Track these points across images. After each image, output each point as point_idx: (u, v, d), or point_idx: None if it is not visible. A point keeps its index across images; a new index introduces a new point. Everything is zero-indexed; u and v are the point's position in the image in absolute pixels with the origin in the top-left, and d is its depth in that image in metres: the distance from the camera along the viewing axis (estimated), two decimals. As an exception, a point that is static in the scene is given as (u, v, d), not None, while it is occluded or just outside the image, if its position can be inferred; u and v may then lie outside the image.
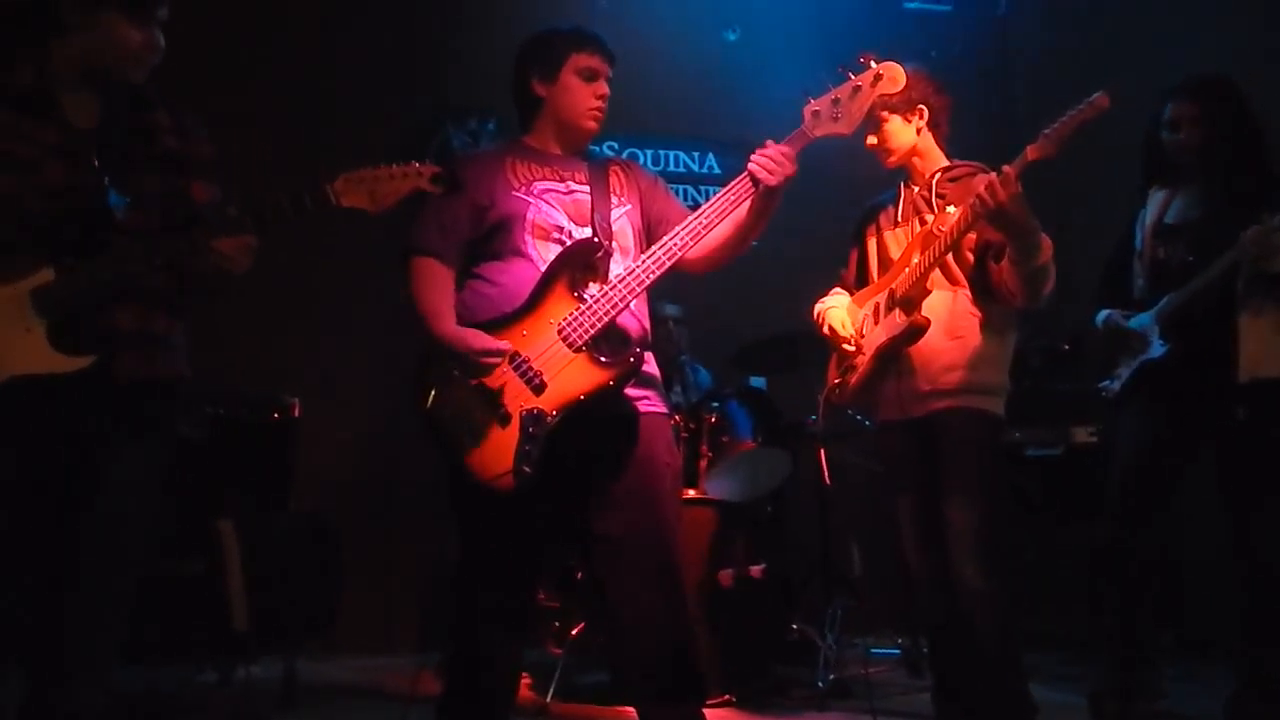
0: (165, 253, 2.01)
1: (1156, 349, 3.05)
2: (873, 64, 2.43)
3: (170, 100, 2.20)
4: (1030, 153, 2.38)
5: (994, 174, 2.42)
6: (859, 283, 2.92)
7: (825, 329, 2.86)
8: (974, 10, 5.78)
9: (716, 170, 5.52)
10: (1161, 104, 3.13)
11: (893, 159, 2.80)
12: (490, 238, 2.48)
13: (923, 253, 2.61)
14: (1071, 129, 2.34)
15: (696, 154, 5.52)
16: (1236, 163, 3.03)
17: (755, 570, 3.81)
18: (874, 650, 4.12)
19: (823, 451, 3.99)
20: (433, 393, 2.39)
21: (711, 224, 2.43)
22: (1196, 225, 3.06)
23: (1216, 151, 3.05)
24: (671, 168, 5.46)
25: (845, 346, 2.81)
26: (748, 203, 2.44)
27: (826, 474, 4.00)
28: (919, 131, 2.78)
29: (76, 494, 2.01)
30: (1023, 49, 5.73)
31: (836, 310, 2.86)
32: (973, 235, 2.62)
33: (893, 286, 2.69)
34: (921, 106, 2.75)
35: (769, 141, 2.42)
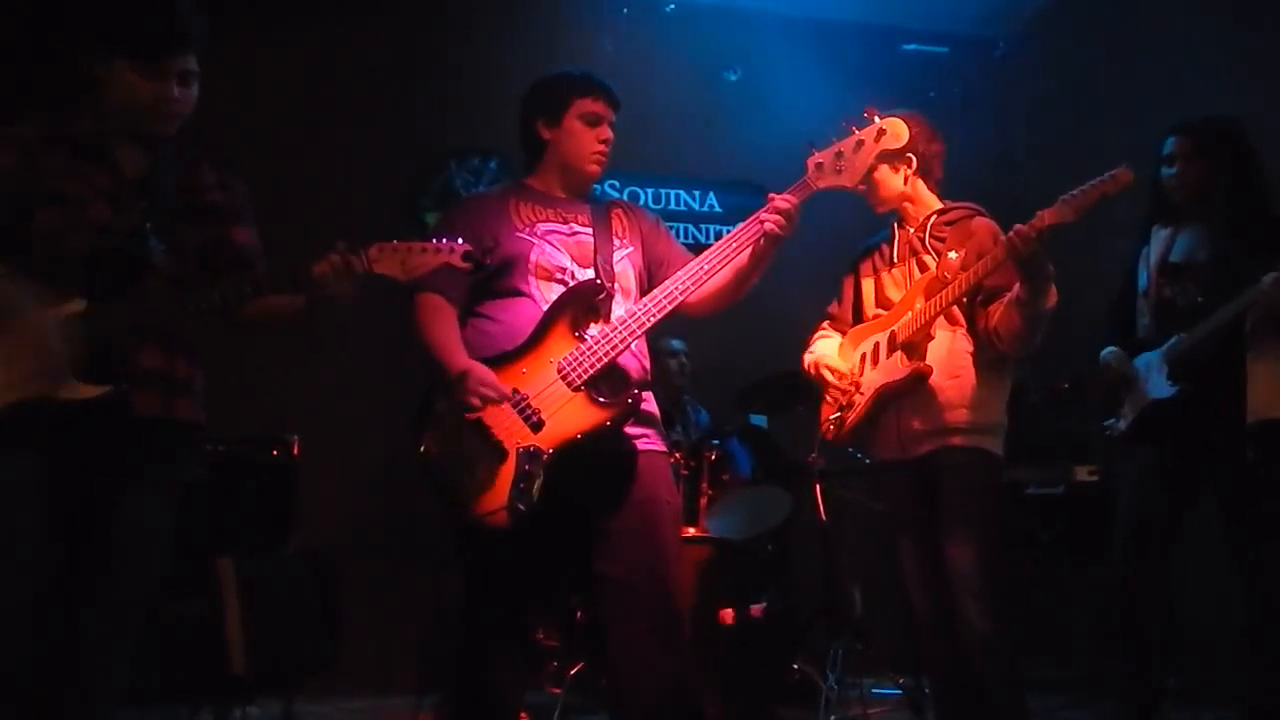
0: (197, 300, 2.07)
1: (1165, 389, 3.03)
2: (876, 118, 2.44)
3: (214, 157, 2.28)
4: (1047, 217, 2.37)
5: (1032, 225, 2.39)
6: (853, 320, 2.94)
7: (821, 374, 2.85)
8: (971, 52, 5.84)
9: (718, 209, 5.55)
10: (1161, 140, 3.15)
11: (883, 207, 2.85)
12: (494, 277, 2.50)
13: (928, 298, 2.62)
14: (1094, 200, 2.34)
15: (697, 192, 5.56)
16: (1236, 202, 3.03)
17: (756, 609, 3.78)
18: (876, 691, 4.08)
19: (819, 488, 3.98)
20: (432, 428, 2.40)
21: (714, 270, 2.45)
22: (1205, 266, 3.04)
23: (1213, 189, 3.05)
24: (672, 206, 5.50)
25: (839, 388, 2.81)
26: (748, 250, 2.46)
27: (823, 511, 3.98)
28: (906, 180, 2.81)
29: (88, 528, 2.04)
30: (1020, 90, 5.77)
31: (829, 358, 2.87)
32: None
33: (894, 329, 2.70)
34: (910, 155, 2.77)
35: (772, 195, 2.44)
